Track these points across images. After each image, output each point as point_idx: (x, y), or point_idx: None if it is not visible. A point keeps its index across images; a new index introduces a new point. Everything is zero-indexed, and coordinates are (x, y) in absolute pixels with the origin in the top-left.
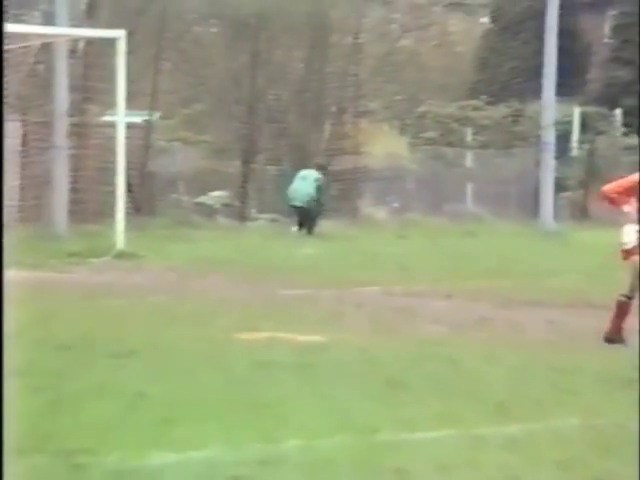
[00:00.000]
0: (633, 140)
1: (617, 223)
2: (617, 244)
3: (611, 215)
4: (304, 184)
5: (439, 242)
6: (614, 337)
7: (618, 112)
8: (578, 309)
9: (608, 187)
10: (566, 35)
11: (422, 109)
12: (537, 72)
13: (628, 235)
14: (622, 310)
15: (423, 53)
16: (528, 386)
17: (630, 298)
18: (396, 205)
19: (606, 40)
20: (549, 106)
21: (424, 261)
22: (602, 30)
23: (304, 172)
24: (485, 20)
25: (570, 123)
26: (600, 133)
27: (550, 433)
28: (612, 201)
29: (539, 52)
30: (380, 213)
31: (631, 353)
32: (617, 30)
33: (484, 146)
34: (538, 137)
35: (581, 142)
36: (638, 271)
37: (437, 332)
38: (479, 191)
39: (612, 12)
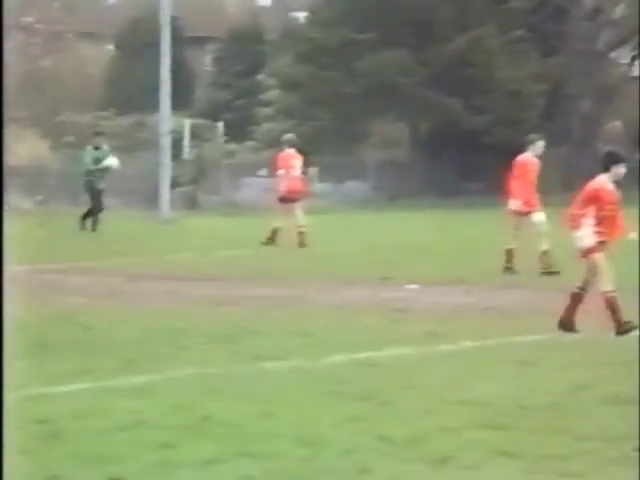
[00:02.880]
0: (232, 146)
1: (220, 212)
2: (225, 228)
3: (216, 206)
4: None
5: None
6: (567, 324)
7: (220, 124)
8: (193, 281)
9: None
10: (178, 62)
11: (61, 118)
12: (155, 90)
13: (587, 237)
14: (576, 300)
15: (61, 72)
16: (151, 344)
17: (584, 290)
18: (40, 198)
19: (207, 68)
20: (165, 118)
21: (68, 243)
22: (204, 59)
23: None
24: (111, 47)
25: (182, 132)
26: (206, 140)
27: (169, 382)
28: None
29: (156, 74)
30: (26, 204)
31: None
32: (216, 61)
33: (114, 150)
34: (157, 143)
35: (191, 147)
36: (596, 267)
37: (76, 302)
38: (111, 186)
39: (211, 47)
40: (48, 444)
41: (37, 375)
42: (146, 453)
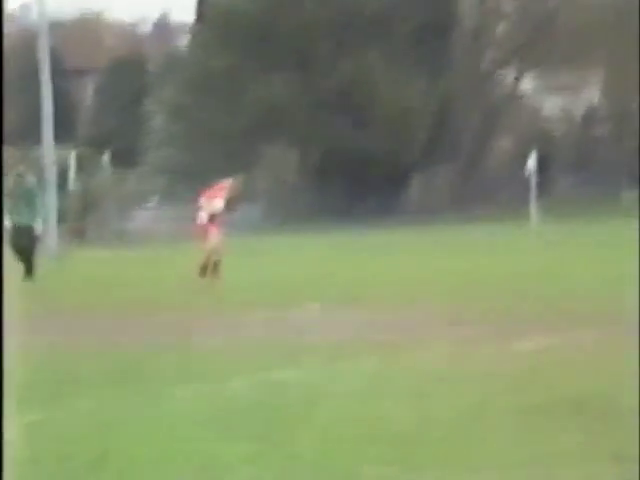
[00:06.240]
0: (120, 176)
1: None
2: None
3: (103, 240)
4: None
5: None
6: None
7: (106, 154)
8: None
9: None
10: (59, 93)
11: None
12: (37, 122)
13: None
14: None
15: None
16: None
17: None
18: None
19: (90, 99)
20: (49, 150)
21: None
22: (86, 91)
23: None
24: None
25: (67, 164)
26: (92, 172)
27: None
28: None
29: (38, 106)
30: None
31: None
32: (97, 93)
33: None
34: (42, 176)
35: (76, 179)
36: None
37: None
38: None
39: (92, 78)
40: None
41: None
42: None
